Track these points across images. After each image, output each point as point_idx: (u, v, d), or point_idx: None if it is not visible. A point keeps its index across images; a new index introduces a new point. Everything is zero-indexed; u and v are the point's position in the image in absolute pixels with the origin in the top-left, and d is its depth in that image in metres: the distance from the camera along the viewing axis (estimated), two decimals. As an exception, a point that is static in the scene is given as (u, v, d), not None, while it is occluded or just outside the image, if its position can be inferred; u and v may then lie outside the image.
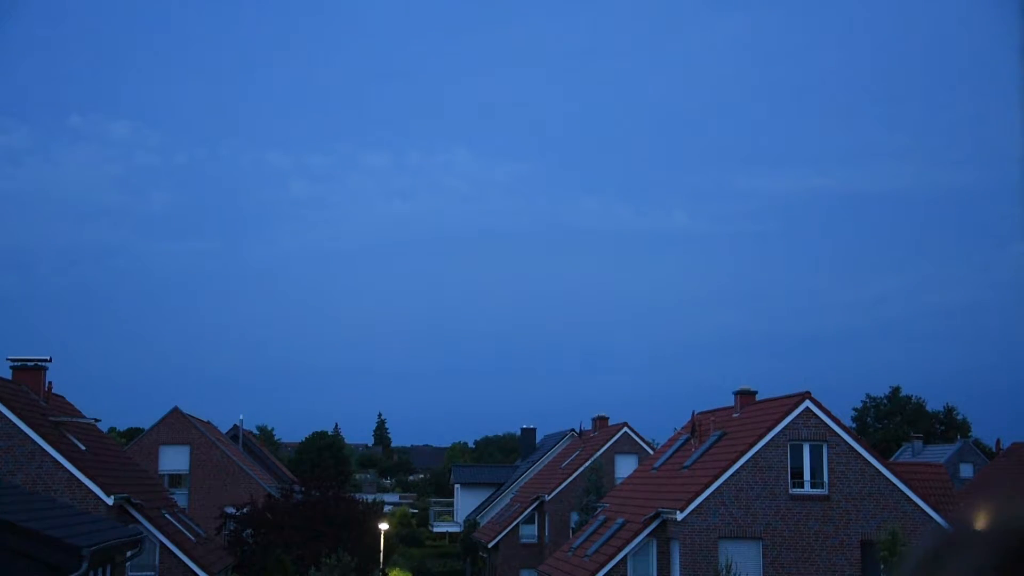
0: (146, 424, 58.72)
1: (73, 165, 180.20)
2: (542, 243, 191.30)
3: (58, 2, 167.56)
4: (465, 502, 71.42)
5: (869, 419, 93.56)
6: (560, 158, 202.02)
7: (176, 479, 52.53)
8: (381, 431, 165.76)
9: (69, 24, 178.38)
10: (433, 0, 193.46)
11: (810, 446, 30.47)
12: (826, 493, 30.29)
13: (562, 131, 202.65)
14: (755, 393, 34.74)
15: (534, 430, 75.23)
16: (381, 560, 52.54)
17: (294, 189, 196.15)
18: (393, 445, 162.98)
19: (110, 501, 26.75)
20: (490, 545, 52.90)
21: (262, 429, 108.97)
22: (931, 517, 30.30)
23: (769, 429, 30.35)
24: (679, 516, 29.60)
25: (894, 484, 30.42)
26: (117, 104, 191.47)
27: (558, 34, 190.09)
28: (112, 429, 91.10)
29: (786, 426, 30.36)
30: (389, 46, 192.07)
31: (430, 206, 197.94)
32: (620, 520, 33.64)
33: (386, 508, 74.02)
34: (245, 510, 42.77)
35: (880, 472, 30.51)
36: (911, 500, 30.39)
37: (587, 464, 49.21)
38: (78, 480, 26.77)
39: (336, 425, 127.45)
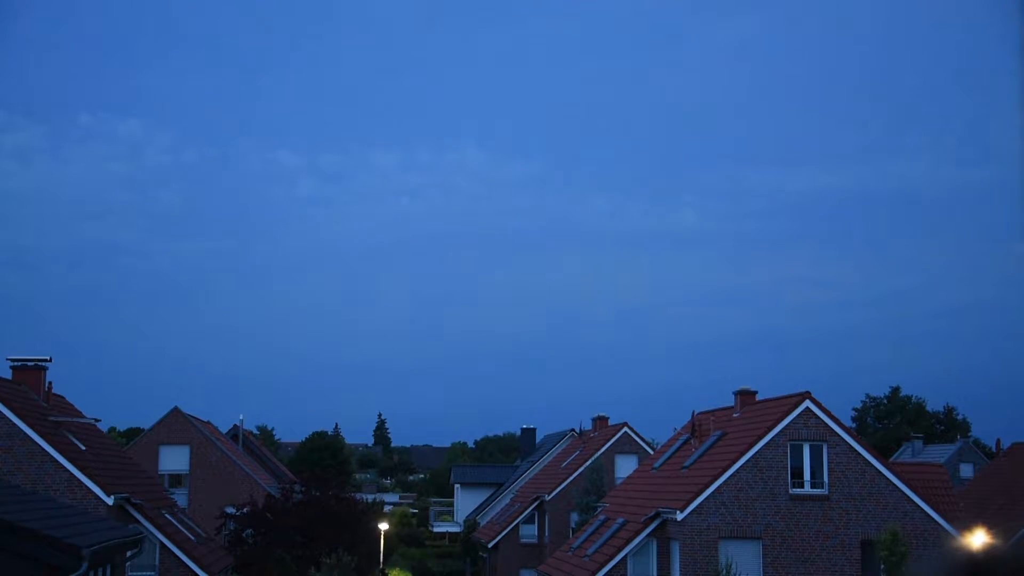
0: (146, 424, 58.73)
1: (82, 164, 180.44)
2: (547, 242, 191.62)
3: (68, 1, 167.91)
4: (465, 502, 71.51)
5: (869, 419, 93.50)
6: (569, 157, 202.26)
7: (176, 479, 52.52)
8: (381, 431, 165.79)
9: (79, 23, 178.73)
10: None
11: (810, 446, 30.48)
12: (826, 493, 30.30)
13: (572, 130, 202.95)
14: (755, 393, 34.75)
15: (534, 430, 75.30)
16: (381, 560, 52.58)
17: (303, 188, 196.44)
18: (393, 445, 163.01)
19: (110, 501, 26.74)
20: (490, 545, 52.92)
21: (262, 429, 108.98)
22: (931, 517, 30.32)
23: (769, 429, 30.35)
24: (679, 516, 29.61)
25: (894, 484, 30.43)
26: (127, 103, 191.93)
27: (567, 33, 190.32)
28: (112, 429, 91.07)
29: (786, 426, 30.36)
30: (398, 45, 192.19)
31: (438, 205, 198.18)
32: (620, 520, 33.63)
33: (386, 508, 74.12)
34: (245, 510, 42.76)
35: (880, 472, 30.52)
36: (911, 500, 30.40)
37: (587, 464, 49.18)
38: (78, 480, 26.75)
39: (336, 425, 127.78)
